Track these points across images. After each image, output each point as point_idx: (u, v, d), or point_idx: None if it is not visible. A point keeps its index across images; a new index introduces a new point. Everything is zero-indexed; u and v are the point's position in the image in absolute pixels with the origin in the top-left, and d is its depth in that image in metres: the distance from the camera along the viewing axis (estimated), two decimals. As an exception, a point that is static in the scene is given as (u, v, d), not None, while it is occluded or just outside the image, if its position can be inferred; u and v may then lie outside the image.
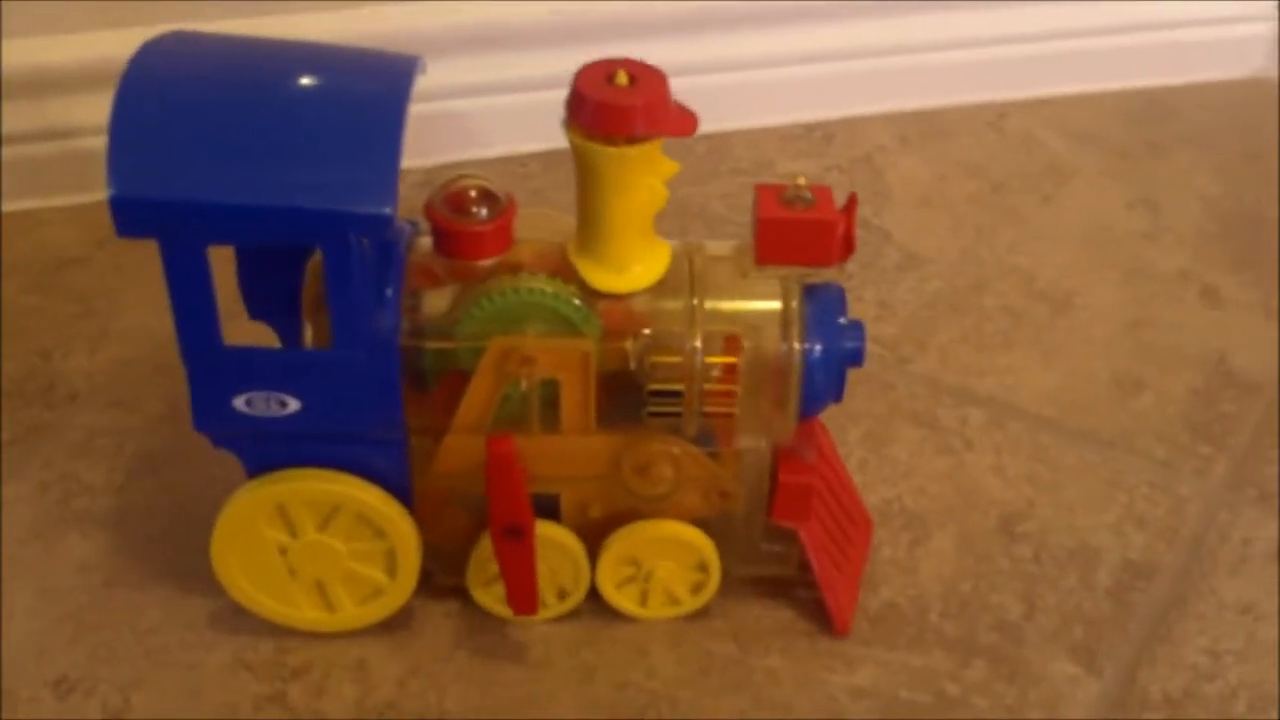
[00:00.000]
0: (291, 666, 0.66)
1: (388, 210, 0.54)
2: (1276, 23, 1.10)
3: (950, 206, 0.98)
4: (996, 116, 1.07)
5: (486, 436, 0.60)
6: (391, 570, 0.65)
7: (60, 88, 0.94)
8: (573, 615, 0.68)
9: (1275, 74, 1.12)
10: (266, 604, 0.66)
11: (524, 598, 0.64)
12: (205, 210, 0.54)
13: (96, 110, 0.94)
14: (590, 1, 0.98)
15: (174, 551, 0.71)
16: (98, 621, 0.69)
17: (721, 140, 1.03)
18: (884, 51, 1.05)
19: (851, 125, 1.06)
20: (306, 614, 0.66)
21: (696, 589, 0.67)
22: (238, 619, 0.67)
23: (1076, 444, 0.78)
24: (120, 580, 0.70)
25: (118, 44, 0.93)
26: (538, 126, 0.89)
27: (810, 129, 1.05)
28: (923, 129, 1.06)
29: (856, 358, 0.61)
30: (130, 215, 0.54)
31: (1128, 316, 0.87)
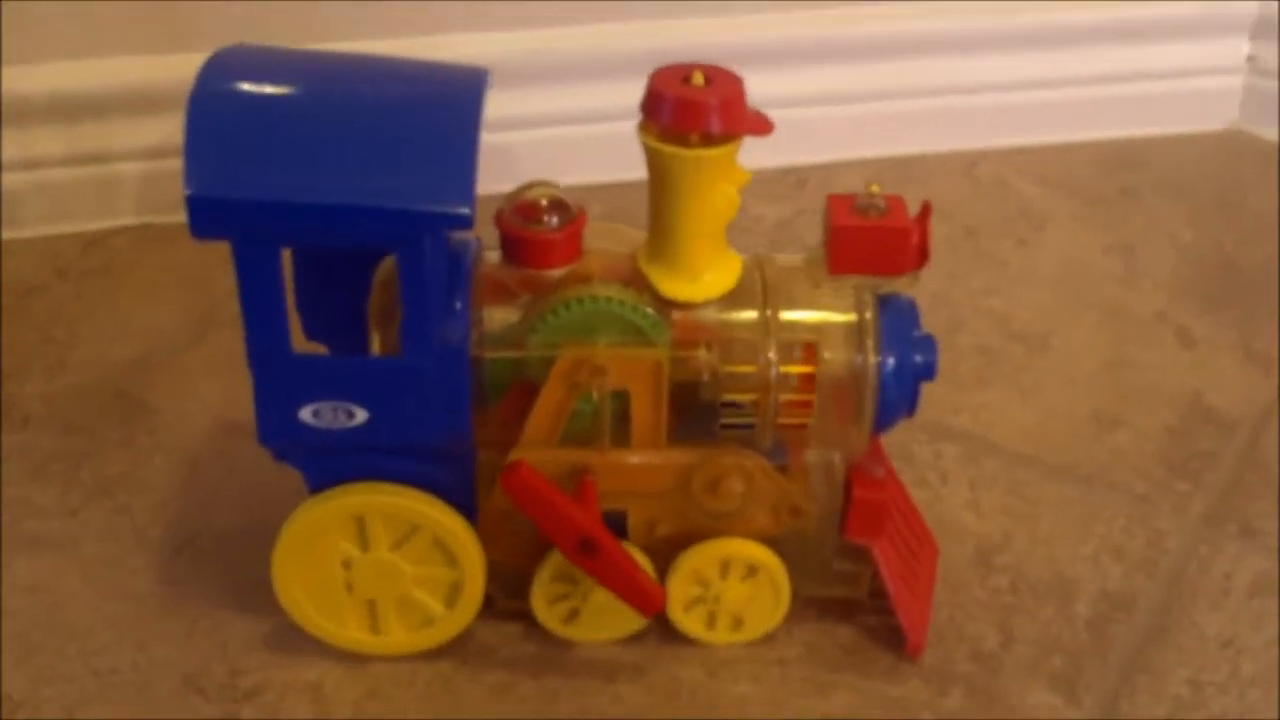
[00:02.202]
0: (244, 689, 0.64)
1: (465, 210, 0.53)
2: (1247, 76, 1.12)
3: (923, 250, 0.98)
4: (969, 164, 1.08)
5: (504, 467, 0.59)
6: (452, 601, 0.63)
7: (23, 119, 0.93)
8: (538, 638, 0.66)
9: (1247, 126, 1.13)
10: (313, 618, 0.64)
11: (643, 597, 0.61)
12: (280, 210, 0.54)
13: (58, 142, 0.95)
14: (540, 44, 0.98)
15: (126, 574, 0.70)
16: (44, 643, 0.66)
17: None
18: (858, 98, 1.06)
19: (825, 171, 1.06)
20: (351, 633, 0.64)
21: (767, 613, 0.65)
22: (189, 641, 0.65)
23: (1053, 479, 0.77)
24: (69, 602, 0.68)
25: (81, 75, 0.95)
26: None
27: (784, 173, 1.05)
28: (897, 175, 1.06)
29: (929, 372, 0.61)
30: (206, 215, 0.54)
31: (1105, 356, 0.87)
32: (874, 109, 1.07)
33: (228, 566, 0.69)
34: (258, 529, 0.65)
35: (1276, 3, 1.09)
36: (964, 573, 0.71)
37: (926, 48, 1.06)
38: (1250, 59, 1.12)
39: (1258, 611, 0.69)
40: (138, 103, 0.94)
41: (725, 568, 0.63)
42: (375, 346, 0.60)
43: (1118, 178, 1.08)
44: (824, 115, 1.05)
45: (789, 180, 1.05)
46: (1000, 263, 0.97)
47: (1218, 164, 1.10)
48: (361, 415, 0.58)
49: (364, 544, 0.62)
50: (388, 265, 0.59)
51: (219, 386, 0.83)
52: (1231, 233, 1.01)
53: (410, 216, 0.54)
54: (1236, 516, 0.75)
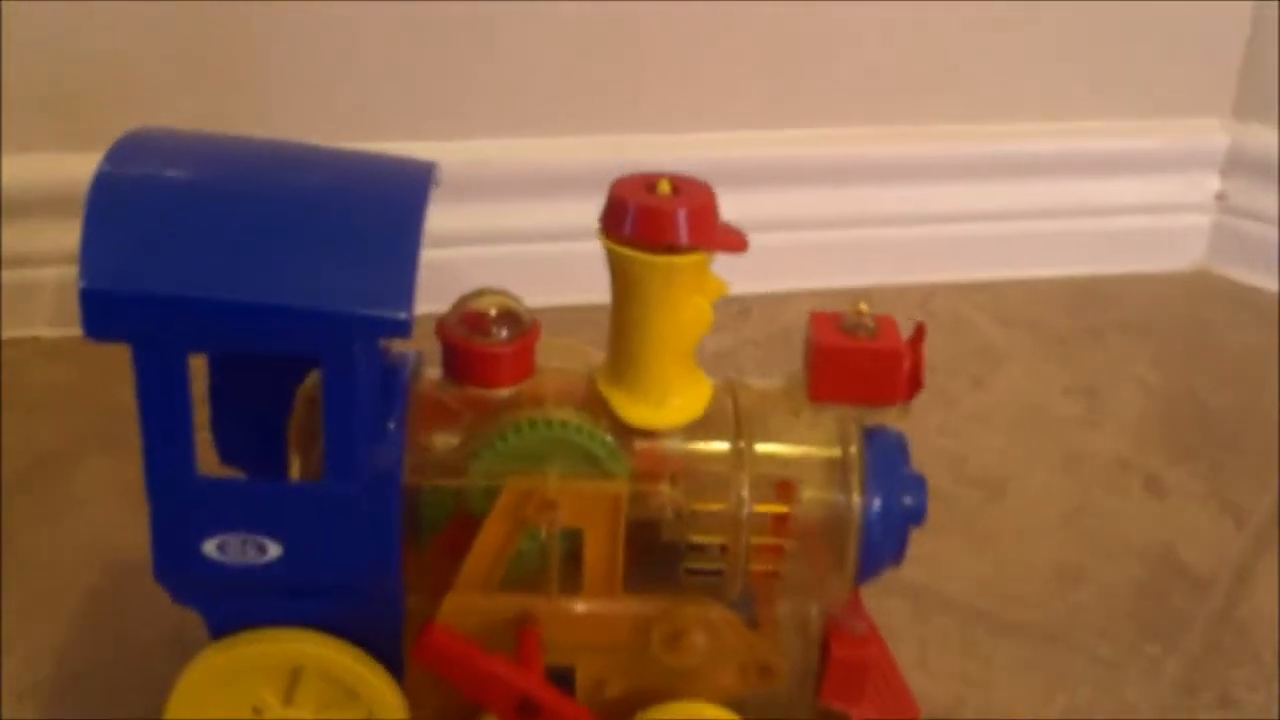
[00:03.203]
0: None
1: (403, 314, 0.48)
2: (1215, 214, 1.12)
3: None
4: (924, 298, 1.07)
5: (421, 628, 0.54)
6: None
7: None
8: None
9: (1215, 266, 1.13)
10: None
11: None
12: (186, 307, 0.48)
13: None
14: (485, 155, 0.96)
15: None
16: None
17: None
18: (808, 224, 1.04)
19: (771, 301, 1.03)
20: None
21: None
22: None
23: (1011, 638, 0.73)
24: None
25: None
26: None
27: (726, 302, 1.01)
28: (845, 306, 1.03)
29: (919, 515, 0.57)
30: (102, 311, 0.49)
31: (1066, 505, 0.84)
32: (825, 236, 1.05)
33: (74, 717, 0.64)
34: (115, 675, 0.62)
35: (1246, 139, 1.09)
36: (911, 742, 0.66)
37: (882, 174, 1.05)
38: (1219, 196, 1.12)
39: (1244, 795, 0.64)
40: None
41: None
42: (295, 472, 0.55)
43: (1080, 316, 1.06)
44: (771, 241, 1.01)
45: (731, 309, 1.02)
46: (954, 402, 0.95)
47: (1185, 304, 1.09)
48: (274, 550, 0.53)
49: (253, 706, 0.56)
50: (313, 380, 0.55)
51: (90, 515, 0.77)
52: (1201, 376, 1.00)
53: (338, 319, 0.49)
54: (1214, 684, 0.70)
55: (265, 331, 0.49)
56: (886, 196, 1.05)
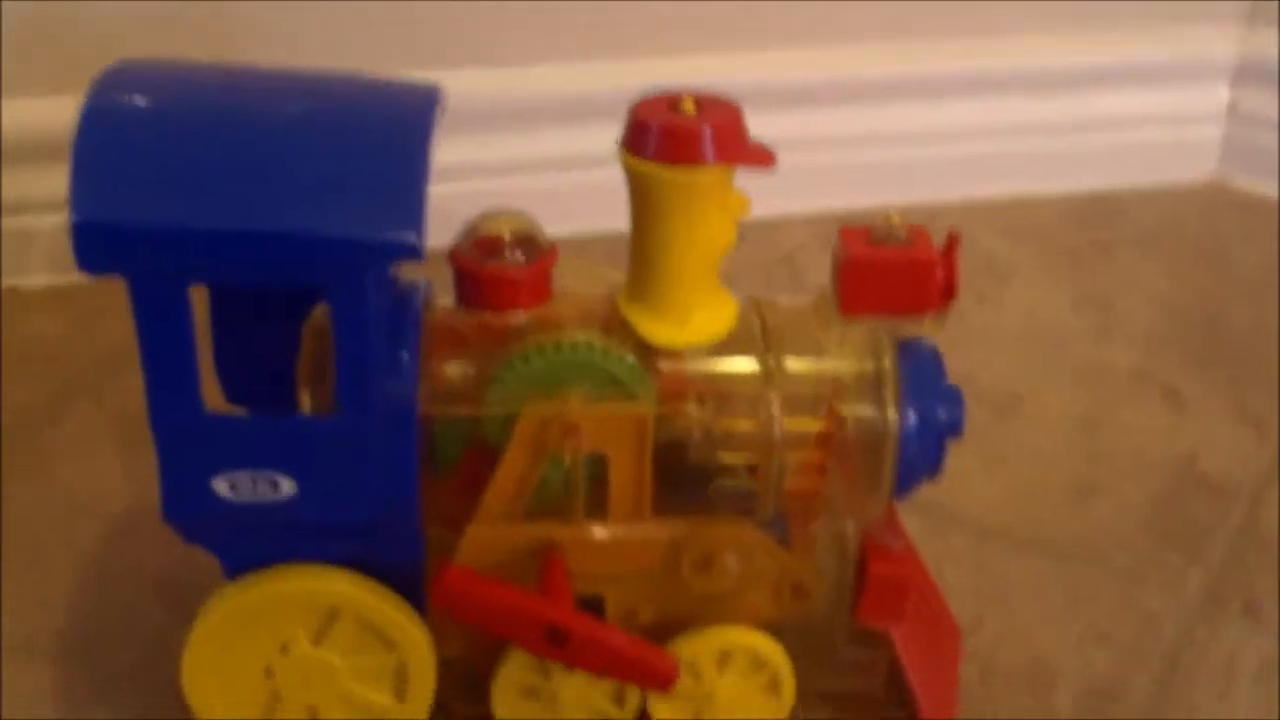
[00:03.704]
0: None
1: (413, 238, 0.46)
2: (1227, 125, 1.10)
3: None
4: (927, 217, 1.03)
5: (437, 568, 0.53)
6: (400, 691, 0.55)
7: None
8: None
9: (1227, 178, 1.11)
10: None
11: (646, 669, 0.54)
12: (186, 238, 0.46)
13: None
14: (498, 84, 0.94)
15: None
16: None
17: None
18: (805, 146, 1.00)
19: (767, 226, 1.00)
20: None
21: (766, 708, 0.58)
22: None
23: (1028, 555, 0.71)
24: None
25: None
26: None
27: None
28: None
29: (955, 428, 0.55)
30: (96, 245, 0.46)
31: (1080, 419, 0.82)
32: (823, 157, 1.02)
33: (65, 670, 0.62)
34: (104, 626, 0.61)
35: (1257, 47, 1.07)
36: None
37: (881, 92, 1.02)
38: (1231, 106, 1.10)
39: (1268, 702, 0.63)
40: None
41: (720, 660, 0.57)
42: (305, 407, 0.53)
43: (1088, 231, 1.03)
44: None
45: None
46: (962, 319, 0.92)
47: (1197, 217, 1.07)
48: (288, 487, 0.51)
49: (280, 643, 0.54)
50: (320, 313, 0.53)
51: (79, 466, 0.76)
52: (1216, 289, 0.98)
53: (347, 246, 0.47)
54: (1239, 594, 0.69)
55: (268, 261, 0.47)
56: (890, 115, 1.03)
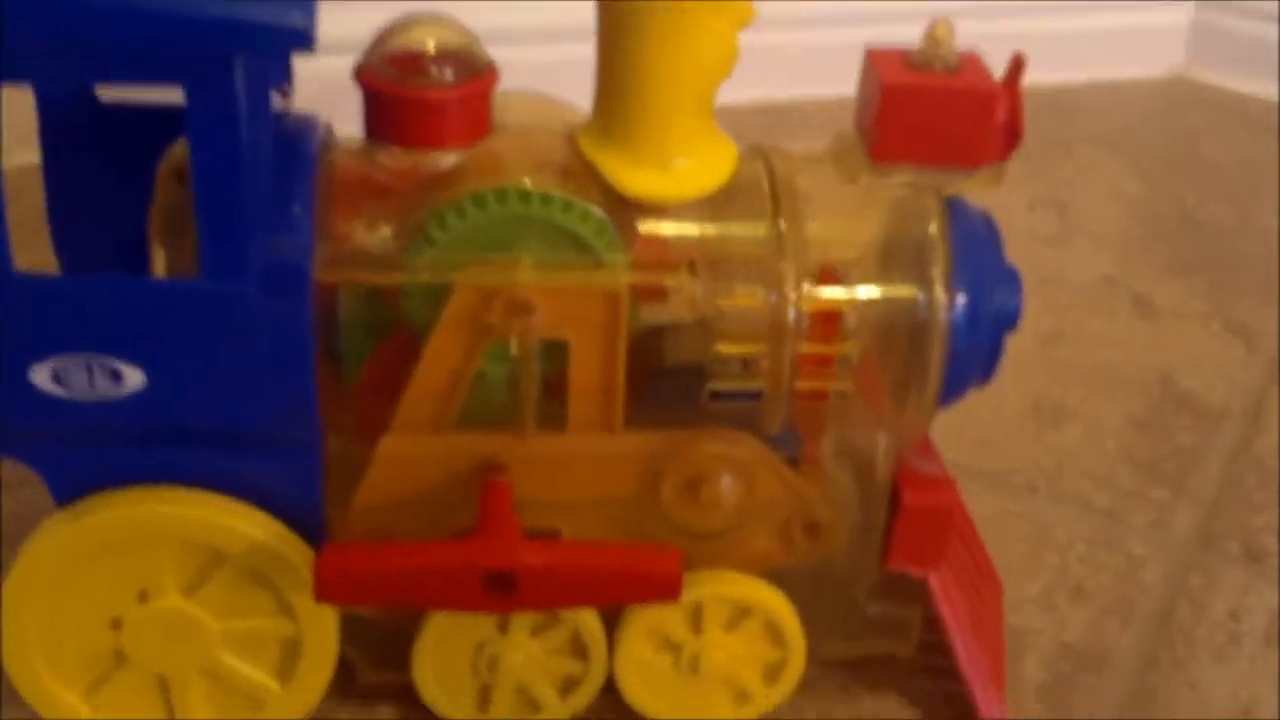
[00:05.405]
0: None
1: (301, 20, 0.38)
2: (1194, 12, 1.07)
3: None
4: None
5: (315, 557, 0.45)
6: (287, 670, 0.48)
7: None
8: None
9: (1194, 72, 1.09)
10: (64, 701, 0.47)
11: (641, 580, 0.46)
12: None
13: None
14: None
15: None
16: None
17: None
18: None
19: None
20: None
21: (768, 677, 0.51)
22: None
23: (987, 491, 0.65)
24: None
25: None
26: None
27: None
28: (778, 123, 0.98)
29: (1013, 319, 0.49)
30: None
31: (1039, 331, 0.77)
32: (757, 41, 0.98)
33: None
34: None
35: None
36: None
37: None
38: None
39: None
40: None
41: (707, 616, 0.50)
42: (159, 269, 0.46)
43: (1045, 127, 0.98)
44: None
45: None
46: None
47: (1163, 114, 1.04)
48: (134, 378, 0.43)
49: (136, 590, 0.46)
50: (180, 148, 0.45)
51: None
52: (1188, 189, 0.95)
53: (210, 26, 0.39)
54: (1236, 534, 0.64)
55: (107, 50, 0.38)
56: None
